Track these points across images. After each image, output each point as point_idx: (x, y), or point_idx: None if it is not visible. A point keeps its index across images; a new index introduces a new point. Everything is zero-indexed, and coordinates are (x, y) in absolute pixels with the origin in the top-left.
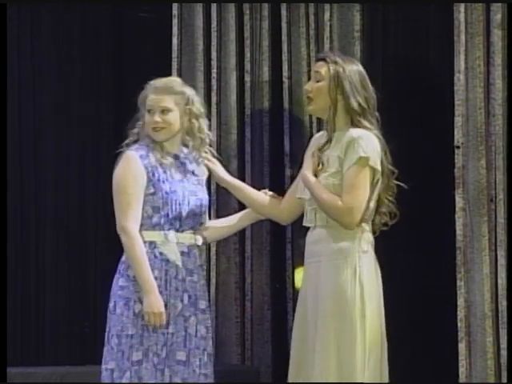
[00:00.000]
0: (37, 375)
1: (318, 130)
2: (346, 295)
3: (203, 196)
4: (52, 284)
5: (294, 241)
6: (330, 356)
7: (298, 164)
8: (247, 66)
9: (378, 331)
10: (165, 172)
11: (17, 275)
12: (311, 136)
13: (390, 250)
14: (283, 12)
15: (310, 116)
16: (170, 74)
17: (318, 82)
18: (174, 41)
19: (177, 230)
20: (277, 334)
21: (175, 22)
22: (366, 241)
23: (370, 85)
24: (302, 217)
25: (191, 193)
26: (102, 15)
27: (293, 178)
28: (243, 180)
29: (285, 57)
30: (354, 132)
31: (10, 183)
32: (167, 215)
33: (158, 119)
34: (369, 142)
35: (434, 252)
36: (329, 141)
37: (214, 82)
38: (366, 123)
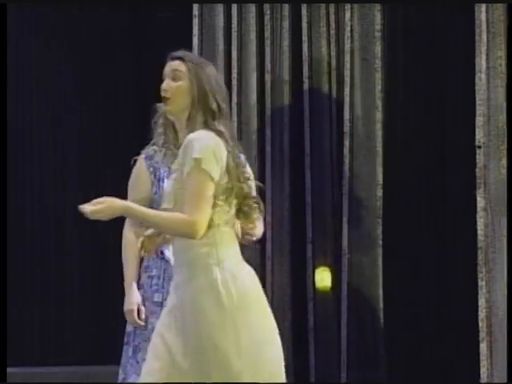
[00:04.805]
0: (57, 375)
1: (339, 130)
2: (202, 306)
3: None
4: (78, 285)
5: (315, 241)
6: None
7: (318, 164)
8: (267, 66)
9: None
10: (169, 171)
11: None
12: (331, 136)
13: (412, 250)
14: (303, 12)
15: (331, 116)
16: None
17: (175, 80)
18: (195, 41)
19: None
20: (297, 334)
21: (196, 22)
22: (225, 246)
23: (223, 85)
24: (323, 216)
25: None
26: (122, 15)
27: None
28: (263, 180)
29: (305, 57)
30: (192, 134)
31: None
32: None
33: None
34: (204, 144)
35: (455, 252)
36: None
37: (234, 82)
38: (219, 126)
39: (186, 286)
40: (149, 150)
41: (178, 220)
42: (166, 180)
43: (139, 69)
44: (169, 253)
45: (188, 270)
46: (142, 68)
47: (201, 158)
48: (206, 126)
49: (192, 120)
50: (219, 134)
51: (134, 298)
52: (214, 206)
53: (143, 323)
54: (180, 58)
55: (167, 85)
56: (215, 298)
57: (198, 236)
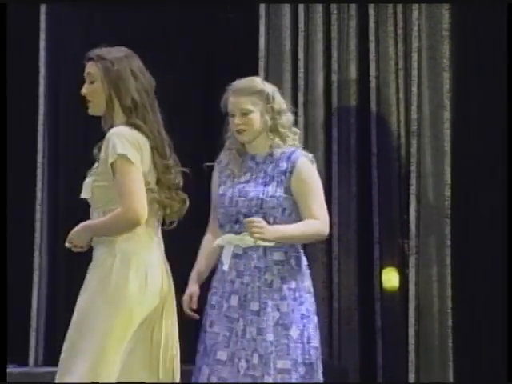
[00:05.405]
0: None
1: (407, 130)
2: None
3: (256, 195)
4: None
5: (382, 241)
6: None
7: (385, 163)
8: (334, 66)
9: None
10: (229, 175)
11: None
12: (399, 135)
13: (480, 250)
14: (371, 11)
15: (398, 115)
16: (257, 75)
17: (91, 83)
18: (261, 41)
19: (235, 232)
20: (364, 334)
21: (262, 22)
22: (127, 239)
23: (145, 72)
24: (390, 215)
25: (242, 193)
26: (189, 16)
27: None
28: (330, 180)
29: (372, 56)
30: (111, 130)
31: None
32: (219, 218)
33: (238, 122)
34: (124, 138)
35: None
36: None
37: (300, 82)
38: (137, 121)
39: (90, 280)
40: (222, 152)
41: (117, 217)
42: (222, 184)
43: (207, 69)
44: (222, 256)
45: (94, 258)
46: (209, 68)
47: (125, 153)
48: (125, 122)
49: (109, 118)
50: (138, 128)
51: (189, 289)
52: None
53: (194, 314)
54: (91, 59)
55: (85, 88)
56: (104, 289)
57: (142, 220)
